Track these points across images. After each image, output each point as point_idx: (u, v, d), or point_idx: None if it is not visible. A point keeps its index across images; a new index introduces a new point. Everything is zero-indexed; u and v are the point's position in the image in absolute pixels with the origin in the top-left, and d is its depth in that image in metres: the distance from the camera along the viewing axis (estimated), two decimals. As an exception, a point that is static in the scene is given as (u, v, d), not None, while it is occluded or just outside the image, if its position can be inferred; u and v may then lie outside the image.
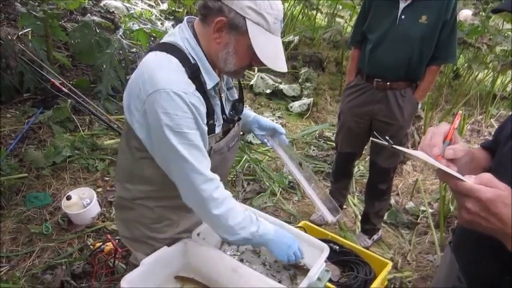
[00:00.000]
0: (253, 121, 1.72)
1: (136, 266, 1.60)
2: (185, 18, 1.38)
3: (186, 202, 1.35)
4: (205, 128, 1.30)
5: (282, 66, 1.31)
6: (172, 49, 1.29)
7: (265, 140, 1.76)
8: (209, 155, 1.37)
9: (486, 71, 5.79)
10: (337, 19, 7.40)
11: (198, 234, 1.50)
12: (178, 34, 1.33)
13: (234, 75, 1.43)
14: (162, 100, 1.20)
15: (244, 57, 1.31)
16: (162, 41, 1.36)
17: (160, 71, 1.23)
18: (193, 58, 1.30)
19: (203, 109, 1.28)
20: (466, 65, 6.06)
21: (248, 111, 1.74)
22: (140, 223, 1.51)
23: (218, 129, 1.42)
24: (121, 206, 1.56)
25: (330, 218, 1.52)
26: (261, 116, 1.76)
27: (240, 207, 1.37)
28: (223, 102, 1.47)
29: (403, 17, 2.44)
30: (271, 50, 1.28)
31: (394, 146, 0.94)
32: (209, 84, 1.32)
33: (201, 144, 1.28)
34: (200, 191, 1.28)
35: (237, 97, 1.57)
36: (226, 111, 1.50)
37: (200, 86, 1.29)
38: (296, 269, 1.55)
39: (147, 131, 1.29)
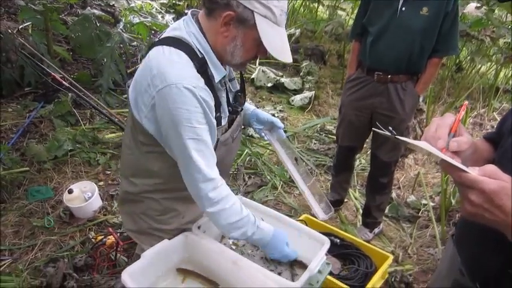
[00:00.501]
0: (252, 114, 1.73)
1: None
2: (189, 11, 1.38)
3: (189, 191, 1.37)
4: (215, 122, 1.32)
5: (288, 57, 1.32)
6: (179, 43, 1.29)
7: (263, 134, 1.76)
8: (216, 147, 1.39)
9: (489, 63, 5.76)
10: (339, 12, 7.34)
11: (198, 227, 1.50)
12: (184, 28, 1.33)
13: (239, 67, 1.45)
14: (173, 95, 1.20)
15: (251, 49, 1.32)
16: (167, 35, 1.35)
17: (170, 66, 1.23)
18: (200, 52, 1.30)
19: (212, 103, 1.29)
20: (468, 57, 6.02)
21: (247, 105, 1.74)
22: (146, 215, 1.53)
23: (224, 121, 1.43)
24: (127, 200, 1.57)
25: (321, 215, 1.51)
26: (260, 109, 1.76)
27: (238, 208, 1.37)
28: (229, 94, 1.47)
29: (403, 9, 2.42)
30: (278, 41, 1.29)
31: (397, 136, 0.93)
32: (217, 78, 1.33)
33: (209, 139, 1.29)
34: (199, 189, 1.30)
35: (238, 88, 1.57)
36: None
37: (208, 80, 1.30)
38: (296, 262, 1.55)
39: (156, 125, 1.30)
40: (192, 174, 1.28)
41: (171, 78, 1.21)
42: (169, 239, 1.52)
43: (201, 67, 1.28)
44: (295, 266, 1.54)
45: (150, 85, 1.24)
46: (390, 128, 0.97)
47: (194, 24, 1.32)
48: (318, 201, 1.61)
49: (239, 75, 1.60)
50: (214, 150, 1.38)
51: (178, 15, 6.03)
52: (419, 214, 3.48)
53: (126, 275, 1.24)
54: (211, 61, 1.32)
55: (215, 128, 1.33)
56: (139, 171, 1.47)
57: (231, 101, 1.52)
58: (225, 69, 1.44)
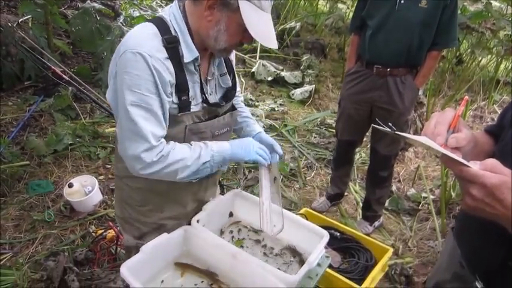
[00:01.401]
0: (256, 137, 1.67)
1: (127, 247, 1.64)
2: None
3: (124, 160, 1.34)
4: (166, 98, 1.29)
5: (273, 43, 1.30)
6: (156, 20, 1.32)
7: None
8: (184, 135, 1.38)
9: (489, 56, 5.74)
10: (339, 5, 7.32)
11: (197, 221, 1.50)
12: (168, 10, 1.36)
13: (224, 53, 1.42)
14: (127, 60, 1.22)
15: (235, 34, 1.31)
16: None
17: (133, 35, 1.27)
18: (175, 31, 1.32)
19: (168, 78, 1.27)
20: (469, 50, 6.00)
21: (256, 126, 1.72)
22: (128, 204, 1.56)
23: (196, 108, 1.40)
24: (116, 186, 1.63)
25: (268, 229, 1.44)
26: (264, 132, 1.72)
27: (183, 149, 1.35)
28: (204, 82, 1.44)
29: (402, 1, 2.41)
30: (262, 27, 1.28)
31: (397, 132, 0.92)
32: (187, 58, 1.32)
33: (159, 111, 1.27)
34: (140, 160, 1.27)
35: (230, 84, 1.56)
36: (215, 97, 1.50)
37: (176, 58, 1.30)
38: (295, 256, 1.56)
39: (113, 93, 1.30)
40: (134, 143, 1.26)
41: (129, 45, 1.23)
42: (147, 232, 1.55)
43: (170, 43, 1.28)
44: (295, 259, 1.54)
45: (117, 53, 1.27)
46: (390, 123, 0.96)
47: (177, 7, 1.34)
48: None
49: (232, 70, 1.58)
50: (183, 138, 1.38)
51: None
52: (420, 207, 3.48)
53: (125, 269, 1.24)
54: (185, 41, 1.32)
55: (166, 105, 1.30)
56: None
57: (219, 96, 1.51)
58: (211, 61, 1.45)
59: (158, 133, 1.28)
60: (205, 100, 1.42)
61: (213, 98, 1.48)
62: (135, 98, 1.23)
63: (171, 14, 1.33)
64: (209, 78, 1.47)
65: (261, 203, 1.46)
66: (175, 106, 1.34)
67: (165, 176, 1.34)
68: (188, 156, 1.34)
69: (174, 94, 1.32)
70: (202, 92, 1.41)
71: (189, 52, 1.32)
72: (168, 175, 1.34)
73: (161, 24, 1.30)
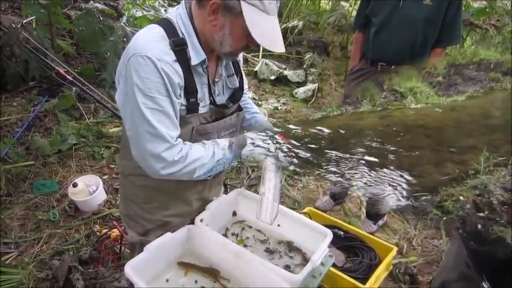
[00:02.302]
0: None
1: (131, 244, 1.66)
2: None
3: (140, 163, 1.35)
4: (176, 100, 1.29)
5: (279, 46, 1.29)
6: (163, 22, 1.32)
7: None
8: (191, 136, 1.38)
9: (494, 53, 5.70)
10: (342, 3, 7.29)
11: (201, 220, 1.50)
12: (174, 12, 1.36)
13: (230, 56, 1.42)
14: (136, 64, 1.22)
15: (240, 38, 1.30)
16: None
17: (141, 38, 1.27)
18: (183, 33, 1.31)
19: (177, 80, 1.28)
20: (473, 47, 5.97)
21: (267, 123, 1.72)
22: (133, 201, 1.57)
23: (203, 110, 1.41)
24: (120, 183, 1.65)
25: (267, 219, 1.44)
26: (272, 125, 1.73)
27: (199, 149, 1.37)
28: (212, 83, 1.44)
29: None
30: (267, 30, 1.26)
31: None
32: (194, 61, 1.32)
33: (171, 111, 1.28)
34: (161, 159, 1.28)
35: (237, 85, 1.55)
36: (223, 98, 1.50)
37: (185, 60, 1.30)
38: (298, 255, 1.56)
39: (124, 96, 1.30)
40: (153, 143, 1.26)
41: (137, 48, 1.23)
42: (151, 228, 1.57)
43: (178, 46, 1.28)
44: (297, 259, 1.54)
45: (125, 56, 1.28)
46: None
47: (184, 9, 1.33)
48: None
49: (240, 70, 1.57)
50: (189, 139, 1.38)
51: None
52: (424, 206, 3.47)
53: (129, 268, 1.24)
54: (192, 43, 1.32)
55: (177, 106, 1.30)
56: (125, 151, 1.48)
57: (226, 97, 1.51)
58: (218, 63, 1.45)
59: (173, 134, 1.29)
60: (212, 102, 1.42)
61: (221, 99, 1.49)
62: (148, 101, 1.24)
63: (177, 15, 1.33)
64: (216, 79, 1.47)
65: (261, 193, 1.46)
66: (184, 108, 1.34)
67: (182, 175, 1.35)
68: (204, 155, 1.36)
69: (182, 96, 1.32)
70: (210, 94, 1.42)
71: (196, 55, 1.32)
72: (186, 175, 1.35)
73: (168, 27, 1.30)
